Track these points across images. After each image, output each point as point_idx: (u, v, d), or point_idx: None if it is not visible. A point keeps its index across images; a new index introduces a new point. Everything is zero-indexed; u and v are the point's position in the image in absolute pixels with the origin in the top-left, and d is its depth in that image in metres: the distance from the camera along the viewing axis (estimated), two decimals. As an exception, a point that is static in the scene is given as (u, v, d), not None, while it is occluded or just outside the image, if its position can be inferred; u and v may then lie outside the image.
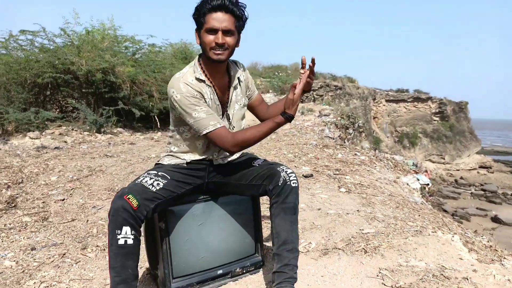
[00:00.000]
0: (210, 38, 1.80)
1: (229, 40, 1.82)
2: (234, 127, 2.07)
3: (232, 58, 1.97)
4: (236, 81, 2.04)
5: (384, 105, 33.00)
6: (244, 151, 2.12)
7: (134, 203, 1.67)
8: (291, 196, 1.91)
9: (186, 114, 1.84)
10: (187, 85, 1.84)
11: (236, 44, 1.88)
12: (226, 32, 1.80)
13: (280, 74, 22.00)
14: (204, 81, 1.91)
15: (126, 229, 1.66)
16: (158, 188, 1.80)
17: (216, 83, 1.97)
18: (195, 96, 1.84)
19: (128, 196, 1.68)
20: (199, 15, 1.81)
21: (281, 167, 1.96)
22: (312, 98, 21.86)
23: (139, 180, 1.82)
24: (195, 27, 1.88)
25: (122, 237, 1.66)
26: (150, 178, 1.83)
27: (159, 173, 1.89)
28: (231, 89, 2.03)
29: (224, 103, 2.02)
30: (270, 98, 15.28)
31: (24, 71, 7.17)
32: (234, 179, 2.07)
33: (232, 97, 2.03)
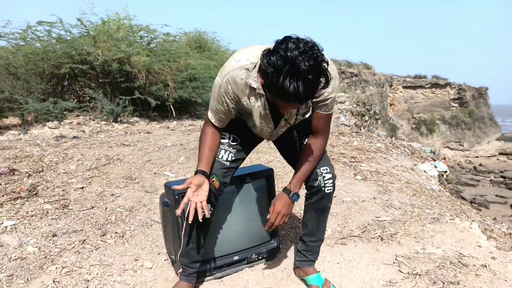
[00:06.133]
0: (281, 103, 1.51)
1: None
2: (274, 133, 1.91)
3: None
4: None
5: (401, 91, 32.48)
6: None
7: (217, 184, 1.82)
8: (324, 200, 1.95)
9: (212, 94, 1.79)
10: (229, 83, 1.67)
11: None
12: None
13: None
14: (254, 90, 1.66)
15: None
16: (231, 159, 1.90)
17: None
18: (225, 96, 1.71)
19: (213, 179, 1.81)
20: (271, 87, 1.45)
21: (322, 168, 1.90)
22: (328, 86, 21.68)
23: (217, 157, 1.88)
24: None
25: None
26: (225, 151, 1.90)
27: (231, 137, 1.93)
28: None
29: (280, 115, 1.79)
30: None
31: (42, 62, 7.27)
32: (287, 148, 2.04)
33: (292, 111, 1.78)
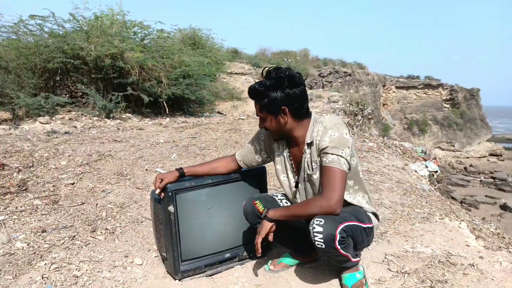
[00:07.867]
0: None
1: (266, 124, 1.92)
2: (300, 195, 2.03)
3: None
4: (305, 146, 1.92)
5: (394, 91, 32.65)
6: None
7: (260, 208, 2.00)
8: (322, 254, 1.92)
9: None
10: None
11: (282, 120, 1.86)
12: (261, 119, 1.94)
13: (289, 60, 21.77)
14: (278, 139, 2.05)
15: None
16: (283, 204, 2.11)
17: (293, 150, 2.01)
18: (262, 142, 2.13)
19: (256, 202, 2.03)
20: None
21: (315, 219, 1.74)
22: (321, 85, 21.71)
23: (271, 193, 2.20)
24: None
25: None
26: (281, 195, 2.18)
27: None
28: (303, 154, 1.94)
29: (298, 167, 2.01)
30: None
31: (34, 56, 7.20)
32: None
33: (304, 162, 1.94)
